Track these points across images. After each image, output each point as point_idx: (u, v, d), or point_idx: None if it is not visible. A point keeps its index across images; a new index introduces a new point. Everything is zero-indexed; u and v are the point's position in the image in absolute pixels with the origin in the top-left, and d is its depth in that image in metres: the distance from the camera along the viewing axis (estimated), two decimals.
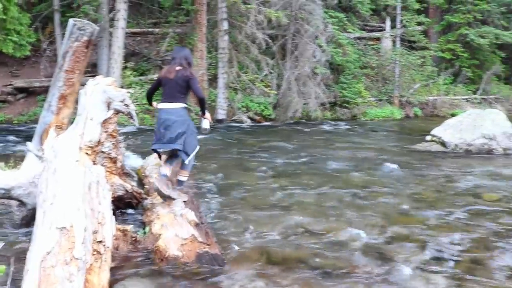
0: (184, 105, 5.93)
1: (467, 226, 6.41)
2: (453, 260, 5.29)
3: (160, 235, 4.98)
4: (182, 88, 5.89)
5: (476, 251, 5.56)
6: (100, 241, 3.82)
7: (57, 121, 7.32)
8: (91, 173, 4.73)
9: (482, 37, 23.08)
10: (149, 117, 15.92)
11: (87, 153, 5.62)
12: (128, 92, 6.55)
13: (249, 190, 7.97)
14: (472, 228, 6.34)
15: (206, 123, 6.30)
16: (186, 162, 5.93)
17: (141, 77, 17.21)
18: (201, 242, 4.84)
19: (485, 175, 9.40)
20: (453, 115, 19.48)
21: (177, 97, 5.88)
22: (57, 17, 17.13)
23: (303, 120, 18.41)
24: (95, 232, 3.84)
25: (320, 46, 18.16)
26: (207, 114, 6.33)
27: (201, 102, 6.12)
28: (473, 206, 7.32)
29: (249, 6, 16.92)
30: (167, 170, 5.87)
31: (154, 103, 6.39)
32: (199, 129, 6.31)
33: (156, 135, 5.93)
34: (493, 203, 7.52)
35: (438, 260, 5.31)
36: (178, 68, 5.94)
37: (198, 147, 6.08)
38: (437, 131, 12.74)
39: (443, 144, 12.27)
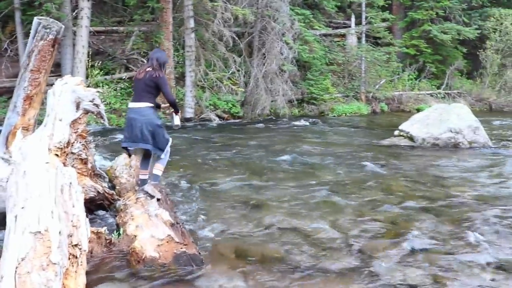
0: (150, 104, 5.99)
1: (439, 218, 6.50)
2: (428, 253, 5.36)
3: (135, 236, 4.89)
4: (150, 88, 5.99)
5: (449, 243, 5.63)
6: (76, 245, 3.72)
7: (23, 122, 7.10)
8: (63, 175, 4.59)
9: (445, 33, 23.53)
10: (115, 116, 15.68)
11: (56, 155, 5.47)
12: (98, 92, 6.42)
13: (220, 189, 7.91)
14: (444, 220, 6.44)
15: (177, 120, 6.48)
16: (162, 156, 6.04)
17: (107, 77, 16.91)
18: (178, 242, 4.76)
19: (453, 168, 9.58)
20: (418, 110, 19.83)
21: (143, 96, 5.97)
22: (17, 15, 16.66)
23: (271, 117, 18.43)
24: (70, 236, 3.73)
25: (287, 43, 18.18)
26: (177, 116, 6.49)
27: (172, 105, 6.30)
28: (444, 199, 7.44)
29: (215, 3, 16.80)
30: (145, 174, 5.92)
31: None
32: (170, 127, 6.44)
33: (125, 133, 6.05)
34: (462, 195, 7.66)
35: (413, 253, 5.37)
36: (148, 69, 6.04)
37: (170, 140, 6.19)
38: (404, 126, 12.92)
39: (411, 138, 12.46)
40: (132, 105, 6.03)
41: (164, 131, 6.11)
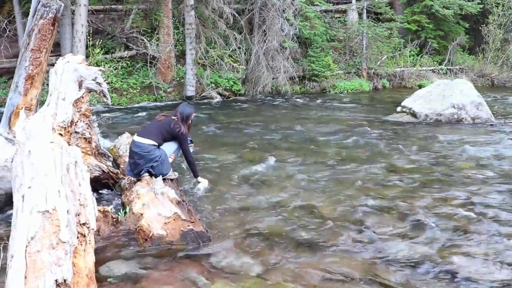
0: (155, 143, 6.02)
1: (443, 194, 6.51)
2: (432, 229, 5.36)
3: (141, 214, 4.89)
4: (166, 132, 6.12)
5: (452, 219, 5.64)
6: (84, 223, 3.71)
7: (25, 102, 7.07)
8: (68, 154, 4.57)
9: (447, 8, 23.24)
10: (116, 96, 15.61)
11: (60, 134, 5.45)
12: (100, 70, 6.36)
13: (225, 166, 7.90)
14: (447, 196, 6.45)
15: (201, 186, 6.50)
16: (167, 176, 6.06)
17: (107, 56, 16.78)
18: (184, 220, 4.76)
19: (457, 144, 9.55)
20: (420, 86, 19.72)
21: (153, 134, 6.05)
22: None
23: (273, 95, 18.34)
24: (78, 215, 3.73)
25: (288, 20, 18.00)
26: (201, 179, 6.56)
27: (191, 165, 6.43)
28: (448, 175, 7.44)
29: None
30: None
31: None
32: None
33: (128, 164, 6.15)
34: (465, 171, 7.65)
35: (416, 228, 5.39)
36: (173, 117, 6.21)
37: (171, 170, 6.21)
38: (407, 102, 12.86)
39: (413, 114, 12.41)
40: (136, 138, 6.07)
41: (168, 162, 6.16)
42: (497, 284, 4.18)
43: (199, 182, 6.49)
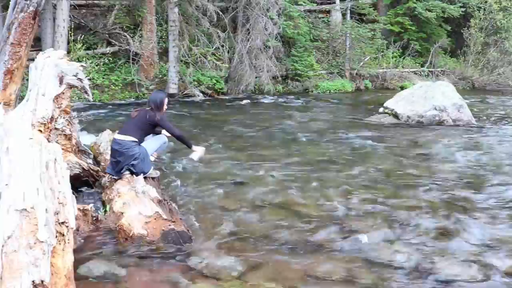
0: (135, 139, 5.91)
1: (426, 195, 6.55)
2: (412, 229, 5.39)
3: (122, 213, 4.82)
4: (144, 125, 6.02)
5: (434, 220, 5.67)
6: (63, 222, 3.63)
7: (4, 97, 6.96)
8: (47, 151, 4.48)
9: (429, 10, 23.44)
10: (98, 92, 15.43)
11: (40, 130, 5.36)
12: (81, 66, 6.26)
13: (206, 165, 7.83)
14: (430, 197, 6.49)
15: (194, 155, 6.38)
16: (148, 174, 5.96)
17: (89, 51, 16.57)
18: (166, 219, 4.71)
19: (438, 146, 9.62)
20: (402, 87, 19.84)
21: (132, 131, 5.95)
22: None
23: (256, 94, 18.30)
24: (56, 213, 3.65)
25: (272, 19, 17.96)
26: (196, 148, 6.38)
27: (181, 140, 6.26)
28: (429, 176, 7.49)
29: None
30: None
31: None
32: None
33: (110, 162, 6.05)
34: (446, 172, 7.71)
35: (397, 229, 5.41)
36: (147, 108, 6.10)
37: (152, 168, 6.11)
38: (389, 103, 12.93)
39: (395, 116, 12.48)
40: (117, 136, 5.98)
41: (149, 160, 6.07)
42: (478, 287, 4.20)
43: (193, 152, 6.34)
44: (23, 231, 3.14)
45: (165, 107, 6.19)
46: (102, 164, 6.85)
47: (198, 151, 6.33)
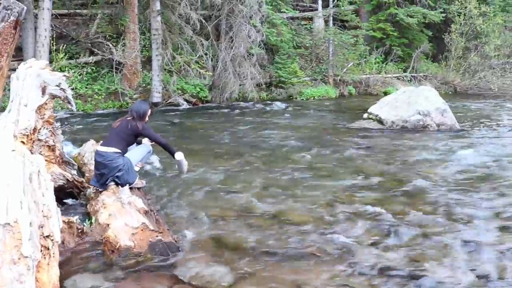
0: (118, 150, 5.84)
1: (411, 200, 6.56)
2: (400, 234, 5.38)
3: (108, 225, 4.73)
4: (125, 135, 5.95)
5: (421, 225, 5.67)
6: (48, 236, 3.54)
7: None
8: (31, 163, 4.38)
9: (411, 16, 23.69)
10: (81, 102, 15.27)
11: (22, 142, 5.26)
12: (64, 76, 6.17)
13: (191, 174, 7.74)
14: (415, 202, 6.49)
15: (181, 166, 6.25)
16: (133, 185, 5.90)
17: (71, 61, 16.41)
18: (153, 230, 4.64)
19: (422, 150, 9.66)
20: (385, 93, 19.98)
21: (114, 142, 5.88)
22: None
23: (240, 101, 18.26)
24: (41, 227, 3.56)
25: (255, 26, 17.96)
26: (178, 154, 6.22)
27: (165, 147, 6.20)
28: (415, 181, 7.49)
29: None
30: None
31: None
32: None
33: (94, 175, 5.98)
34: (431, 177, 7.74)
35: (385, 234, 5.40)
36: (128, 118, 6.04)
37: (137, 178, 6.05)
38: (373, 108, 12.98)
39: (380, 121, 12.52)
40: (99, 148, 5.91)
41: (133, 171, 6.00)
42: None
43: (177, 160, 6.22)
44: (6, 246, 3.05)
45: (146, 118, 6.13)
46: (87, 175, 6.75)
47: (180, 157, 6.21)
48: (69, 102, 6.10)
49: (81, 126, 12.19)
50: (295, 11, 23.05)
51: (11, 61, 7.69)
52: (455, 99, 20.11)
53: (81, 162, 7.29)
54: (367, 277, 4.40)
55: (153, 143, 6.33)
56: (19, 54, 15.12)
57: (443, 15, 24.42)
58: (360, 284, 4.26)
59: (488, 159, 8.95)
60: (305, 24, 23.82)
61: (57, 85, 5.92)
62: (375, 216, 5.94)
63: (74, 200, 6.18)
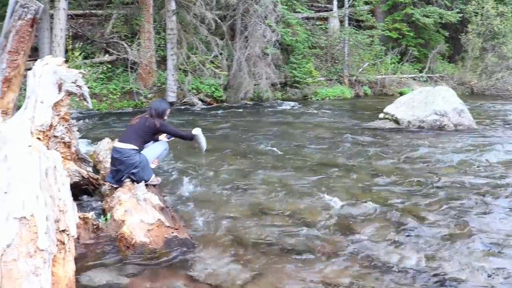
0: (135, 147, 5.88)
1: (427, 200, 6.46)
2: (418, 234, 5.31)
3: (123, 221, 4.71)
4: (143, 132, 5.98)
5: (440, 225, 5.58)
6: (63, 230, 3.53)
7: (1, 105, 6.85)
8: (47, 159, 4.39)
9: (427, 16, 23.51)
10: (96, 101, 15.36)
11: (39, 138, 5.27)
12: (80, 73, 6.18)
13: (208, 173, 7.74)
14: (432, 202, 6.40)
15: (201, 143, 6.38)
16: (149, 182, 5.91)
17: (86, 61, 16.51)
18: (168, 226, 4.61)
19: (439, 150, 9.54)
20: (401, 93, 19.83)
21: (132, 138, 5.91)
22: None
23: (255, 101, 18.23)
24: (57, 221, 3.55)
25: (270, 26, 17.95)
26: (196, 130, 6.33)
27: (185, 138, 6.37)
28: (431, 181, 7.39)
29: None
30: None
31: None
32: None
33: (110, 171, 6.00)
34: (448, 177, 7.62)
35: (404, 234, 5.32)
36: (146, 115, 6.09)
37: (153, 175, 6.06)
38: (390, 108, 12.86)
39: (396, 121, 12.40)
40: (117, 144, 5.94)
41: (149, 168, 6.01)
42: None
43: (196, 135, 6.30)
44: (22, 240, 3.04)
45: (165, 117, 6.13)
46: (102, 172, 6.76)
47: (198, 131, 6.30)
48: (85, 99, 6.11)
49: (96, 125, 12.24)
50: (310, 11, 22.99)
51: (28, 60, 7.75)
52: (472, 100, 19.89)
53: (97, 159, 7.30)
54: (385, 277, 4.33)
55: (169, 140, 6.34)
56: (35, 54, 15.24)
57: (460, 15, 24.20)
58: (378, 283, 4.20)
59: (506, 159, 8.81)
60: (320, 24, 23.74)
61: (73, 82, 5.92)
62: (392, 215, 5.86)
63: (89, 196, 6.18)
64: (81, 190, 6.10)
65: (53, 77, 5.87)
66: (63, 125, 5.85)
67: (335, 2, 23.22)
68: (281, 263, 4.54)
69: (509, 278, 4.33)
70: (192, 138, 6.27)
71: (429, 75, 23.97)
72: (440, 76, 24.32)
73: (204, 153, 6.44)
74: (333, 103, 18.97)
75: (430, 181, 7.36)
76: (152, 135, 6.05)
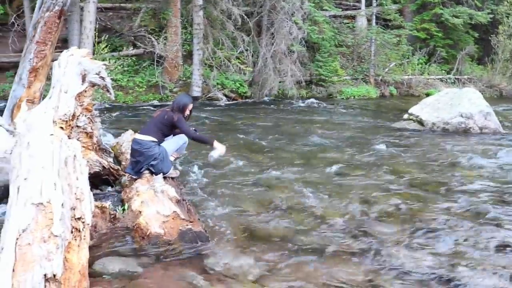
0: (154, 139, 5.95)
1: (449, 204, 6.38)
2: (435, 237, 5.25)
3: (140, 212, 4.78)
4: (162, 125, 6.06)
5: (457, 228, 5.51)
6: (79, 218, 3.61)
7: (28, 94, 7.03)
8: (67, 148, 4.48)
9: (456, 16, 23.13)
10: (122, 94, 15.56)
11: (61, 127, 5.37)
12: (104, 65, 6.27)
13: (227, 168, 7.79)
14: (453, 206, 6.31)
15: (214, 153, 6.27)
16: (167, 174, 5.97)
17: (114, 53, 16.72)
18: (183, 219, 4.66)
19: (463, 153, 9.40)
20: (427, 94, 19.55)
21: (152, 131, 6.00)
22: None
23: (279, 98, 18.21)
24: (73, 209, 3.63)
25: (296, 23, 17.89)
26: (217, 145, 6.27)
27: (197, 140, 6.31)
28: (453, 184, 7.30)
29: None
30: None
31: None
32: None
33: (130, 162, 6.12)
34: (471, 180, 7.51)
35: (420, 236, 5.26)
36: (167, 109, 6.19)
37: (172, 168, 6.14)
38: (414, 109, 12.72)
39: (420, 122, 12.27)
40: (137, 136, 6.04)
41: (168, 160, 6.08)
42: None
43: (214, 149, 6.25)
44: (38, 225, 3.12)
45: (187, 112, 6.20)
46: (123, 163, 6.85)
47: (218, 149, 6.23)
48: (108, 91, 6.19)
49: (121, 117, 12.40)
50: (338, 9, 22.84)
51: (57, 52, 7.91)
52: (500, 103, 19.50)
53: (119, 151, 7.40)
54: (398, 279, 4.30)
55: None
56: (64, 46, 15.49)
57: (491, 16, 23.75)
58: (393, 285, 4.17)
59: None
60: (348, 23, 23.56)
61: (96, 73, 6.01)
62: (410, 217, 5.81)
63: (109, 187, 6.28)
64: (101, 181, 6.20)
65: (77, 68, 5.97)
66: (85, 116, 5.95)
67: (363, 1, 23.01)
68: (294, 260, 4.55)
69: None
70: (211, 143, 6.25)
71: (456, 77, 23.58)
72: (468, 78, 23.91)
73: (210, 160, 6.40)
74: (358, 102, 18.83)
75: (452, 185, 7.28)
76: (170, 128, 6.11)
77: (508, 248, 4.98)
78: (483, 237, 5.26)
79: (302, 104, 17.27)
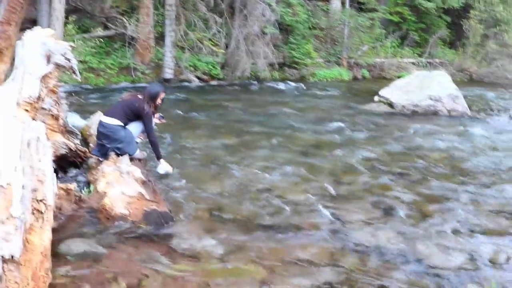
0: (120, 123, 5.92)
1: (413, 184, 6.54)
2: (398, 216, 5.40)
3: (105, 193, 4.80)
4: (130, 112, 6.01)
5: (421, 208, 5.67)
6: (41, 200, 3.60)
7: None
8: (30, 130, 4.43)
9: (429, 1, 23.25)
10: (93, 76, 15.36)
11: (26, 110, 5.31)
12: (70, 46, 6.19)
13: (197, 149, 7.83)
14: (417, 185, 6.48)
15: (161, 168, 6.28)
16: (134, 155, 5.98)
17: (85, 35, 16.46)
18: (148, 200, 4.70)
19: (431, 135, 9.59)
20: (399, 77, 19.70)
21: (118, 114, 5.96)
22: None
23: (252, 80, 18.20)
24: (34, 190, 3.61)
25: (270, 5, 17.83)
26: (162, 161, 6.30)
27: (153, 146, 6.21)
28: (419, 165, 7.47)
29: None
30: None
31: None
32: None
33: (96, 144, 6.11)
34: (438, 162, 7.69)
35: (383, 216, 5.42)
36: (139, 95, 6.12)
37: (137, 150, 6.13)
38: (384, 92, 12.88)
39: (390, 105, 12.44)
40: (103, 118, 6.01)
41: (134, 143, 6.09)
42: (461, 273, 4.19)
43: (160, 164, 6.31)
44: None
45: (159, 101, 6.19)
46: (92, 145, 6.81)
47: (164, 166, 6.29)
48: (74, 72, 6.13)
49: (92, 99, 12.27)
50: None
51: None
52: (470, 86, 19.79)
53: (88, 133, 7.34)
54: (361, 255, 4.43)
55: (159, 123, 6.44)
56: (33, 27, 15.19)
57: (463, 1, 23.98)
58: (353, 261, 4.29)
59: (496, 146, 8.88)
60: (322, 5, 23.53)
61: (62, 54, 5.94)
62: (375, 197, 5.97)
63: (77, 169, 6.25)
64: (68, 163, 6.15)
65: (41, 49, 5.88)
66: (51, 98, 5.89)
67: None
68: (258, 239, 4.63)
69: (489, 261, 4.42)
70: (159, 157, 6.28)
71: (428, 60, 23.81)
72: (440, 61, 24.15)
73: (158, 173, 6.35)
74: (330, 84, 18.91)
75: (416, 165, 7.44)
76: (137, 117, 6.07)
77: (468, 228, 5.14)
78: (445, 217, 5.43)
79: (274, 86, 17.29)
